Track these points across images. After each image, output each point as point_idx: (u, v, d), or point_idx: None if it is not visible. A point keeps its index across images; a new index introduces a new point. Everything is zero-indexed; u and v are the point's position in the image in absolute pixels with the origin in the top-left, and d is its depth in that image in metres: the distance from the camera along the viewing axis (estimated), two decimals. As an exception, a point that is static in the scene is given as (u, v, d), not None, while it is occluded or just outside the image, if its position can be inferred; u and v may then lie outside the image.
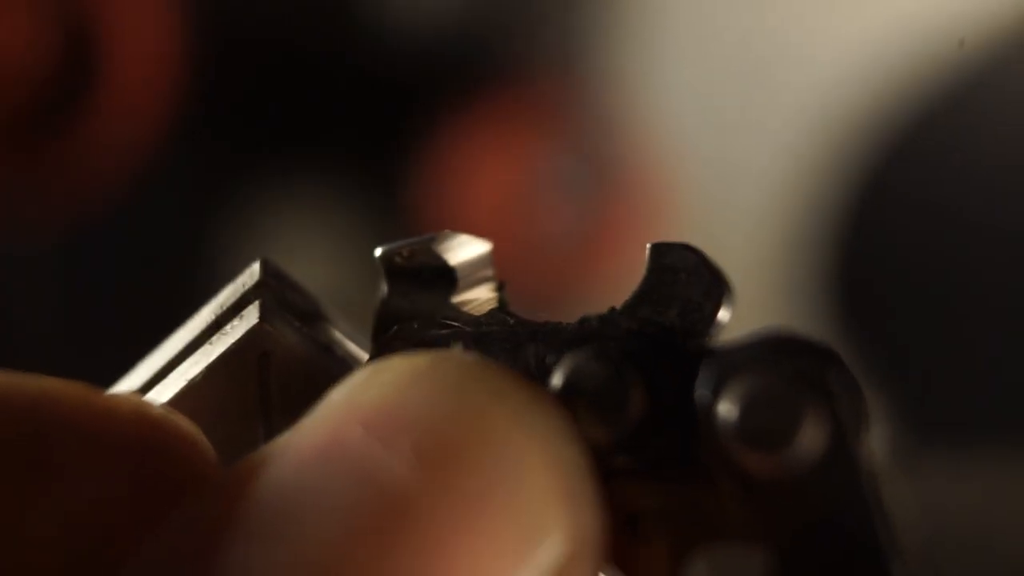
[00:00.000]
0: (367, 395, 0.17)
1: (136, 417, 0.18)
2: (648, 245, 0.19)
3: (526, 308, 0.20)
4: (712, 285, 0.19)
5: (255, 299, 0.21)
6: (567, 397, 0.18)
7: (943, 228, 0.65)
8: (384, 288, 0.20)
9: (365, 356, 0.21)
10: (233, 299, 0.21)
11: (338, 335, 0.21)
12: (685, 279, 0.19)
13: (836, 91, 0.68)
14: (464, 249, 0.20)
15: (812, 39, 0.69)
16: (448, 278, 0.20)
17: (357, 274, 0.64)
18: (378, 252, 0.20)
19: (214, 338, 0.21)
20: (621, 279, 0.68)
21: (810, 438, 0.18)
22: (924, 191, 0.66)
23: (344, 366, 0.21)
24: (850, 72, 0.68)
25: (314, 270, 0.67)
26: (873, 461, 0.18)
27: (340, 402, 0.17)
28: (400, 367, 0.18)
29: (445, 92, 0.69)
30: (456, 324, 0.19)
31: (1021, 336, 0.63)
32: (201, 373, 0.20)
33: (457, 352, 0.19)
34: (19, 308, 0.67)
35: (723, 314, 0.19)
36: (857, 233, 0.67)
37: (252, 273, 0.21)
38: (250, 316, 0.20)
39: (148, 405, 0.19)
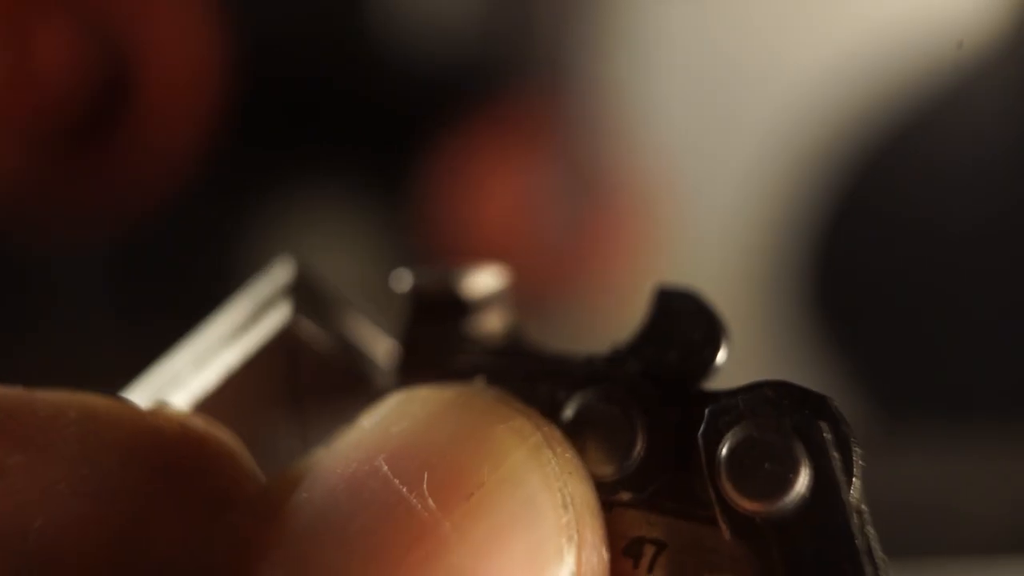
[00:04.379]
0: (396, 427, 0.18)
1: (181, 435, 0.18)
2: (652, 287, 0.20)
3: (527, 305, 0.20)
4: (711, 330, 0.19)
5: (288, 295, 0.21)
6: (577, 434, 0.19)
7: (928, 228, 0.65)
8: (407, 315, 0.20)
9: (389, 352, 0.21)
10: (266, 295, 0.21)
11: (364, 331, 0.21)
12: (686, 323, 0.19)
13: (828, 98, 0.68)
14: (484, 280, 0.21)
15: (804, 48, 0.69)
16: (469, 308, 0.20)
17: (375, 272, 0.66)
18: (401, 281, 0.20)
19: (248, 333, 0.21)
20: (613, 283, 0.69)
21: (803, 485, 0.18)
22: (914, 191, 0.66)
23: (370, 361, 0.21)
24: (843, 77, 0.68)
25: (336, 267, 0.68)
26: (862, 502, 0.18)
27: (370, 432, 0.18)
28: (428, 401, 0.18)
29: (453, 107, 0.71)
30: (476, 354, 0.20)
31: (993, 318, 0.63)
32: (236, 365, 0.21)
33: (480, 389, 0.19)
34: (70, 308, 0.69)
35: (721, 357, 0.19)
36: (843, 239, 0.67)
37: (284, 270, 0.21)
38: (283, 311, 0.21)
39: (193, 422, 0.19)
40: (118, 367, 0.22)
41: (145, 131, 0.66)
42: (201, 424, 0.19)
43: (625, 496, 0.19)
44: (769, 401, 0.18)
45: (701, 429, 0.19)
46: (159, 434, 0.18)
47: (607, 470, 0.19)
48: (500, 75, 0.71)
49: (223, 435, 0.19)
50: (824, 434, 0.18)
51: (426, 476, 0.17)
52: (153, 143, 0.66)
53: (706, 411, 0.19)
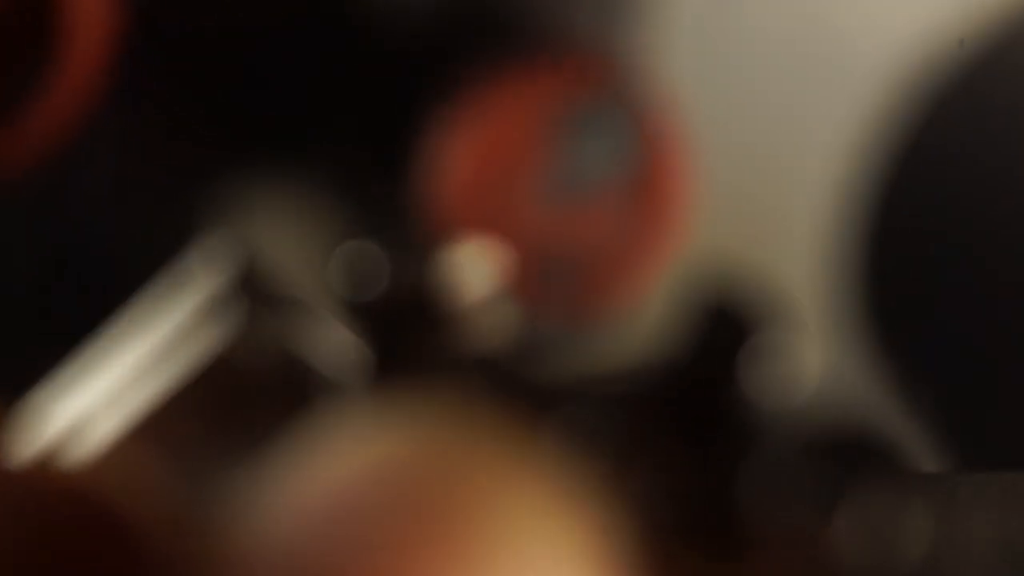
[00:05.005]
0: (366, 466, 0.15)
1: (69, 500, 0.16)
2: (683, 287, 0.18)
3: (539, 309, 0.19)
4: (760, 337, 0.17)
5: (237, 297, 0.19)
6: (598, 467, 0.17)
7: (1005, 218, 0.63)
8: (376, 314, 0.18)
9: (353, 363, 0.19)
10: (210, 297, 0.19)
11: (327, 337, 0.19)
12: (729, 328, 0.18)
13: (879, 65, 0.66)
14: (468, 265, 0.18)
15: (856, 13, 0.67)
16: (447, 302, 0.18)
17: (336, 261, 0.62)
18: (362, 262, 0.18)
19: (187, 344, 0.19)
20: (642, 272, 0.66)
21: (843, 538, 0.17)
22: (973, 173, 0.64)
23: (334, 373, 0.19)
24: (892, 45, 0.66)
25: (298, 262, 0.64)
26: (911, 556, 0.17)
27: (330, 473, 0.15)
28: (404, 431, 0.16)
29: (447, 65, 0.67)
30: (463, 362, 0.18)
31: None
32: (172, 386, 0.19)
33: (470, 411, 0.17)
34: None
35: (770, 368, 0.17)
36: (899, 220, 0.65)
37: (231, 267, 0.19)
38: (228, 321, 0.19)
39: (87, 481, 0.16)
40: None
41: (56, 87, 0.62)
42: (100, 483, 0.16)
43: (660, 535, 0.17)
44: (813, 444, 0.17)
45: (727, 465, 0.17)
46: (37, 498, 0.16)
47: (632, 511, 0.17)
48: (507, 35, 0.67)
49: (133, 496, 0.16)
50: (867, 486, 0.17)
51: (403, 532, 0.15)
52: (64, 102, 0.62)
53: (742, 442, 0.17)
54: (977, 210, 0.64)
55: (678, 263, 0.67)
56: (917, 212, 0.65)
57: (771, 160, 0.69)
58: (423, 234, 0.65)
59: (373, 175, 0.66)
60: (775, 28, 0.68)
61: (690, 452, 0.17)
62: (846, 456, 0.17)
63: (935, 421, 0.59)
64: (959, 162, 0.65)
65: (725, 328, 0.17)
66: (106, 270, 0.63)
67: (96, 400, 0.19)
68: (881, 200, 0.65)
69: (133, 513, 0.16)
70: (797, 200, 0.67)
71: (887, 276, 0.65)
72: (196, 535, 0.17)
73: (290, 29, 0.65)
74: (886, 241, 0.64)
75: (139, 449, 0.18)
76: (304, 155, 0.66)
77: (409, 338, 0.18)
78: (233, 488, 0.18)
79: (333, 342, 0.19)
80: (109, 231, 0.64)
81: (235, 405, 0.18)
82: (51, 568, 0.15)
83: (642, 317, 0.66)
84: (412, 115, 0.66)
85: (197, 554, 0.16)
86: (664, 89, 0.68)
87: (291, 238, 0.65)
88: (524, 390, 0.17)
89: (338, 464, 0.15)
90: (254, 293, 0.19)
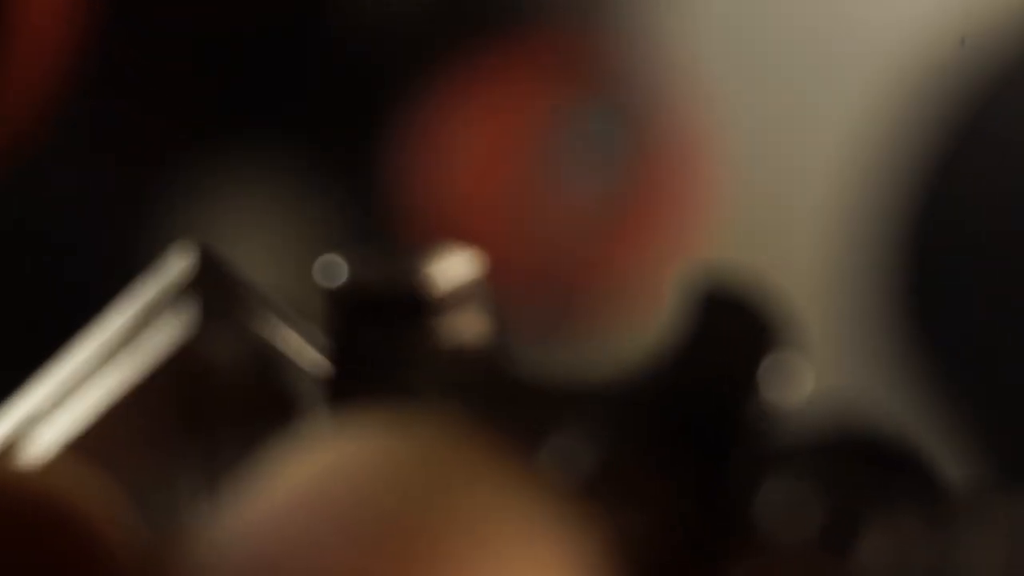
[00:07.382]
0: (327, 476, 0.15)
1: (19, 499, 0.16)
2: (685, 286, 0.17)
3: (530, 313, 0.18)
4: (767, 345, 0.16)
5: (192, 296, 0.18)
6: (578, 484, 0.16)
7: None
8: (345, 317, 0.18)
9: (320, 367, 0.18)
10: (164, 295, 0.19)
11: (288, 338, 0.19)
12: (732, 333, 0.17)
13: (897, 50, 0.64)
14: (446, 268, 0.18)
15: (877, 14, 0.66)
16: (428, 307, 0.18)
17: (305, 264, 0.60)
18: (334, 270, 0.17)
19: (140, 345, 0.18)
20: (643, 278, 0.65)
21: (868, 555, 0.16)
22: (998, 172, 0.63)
23: (295, 379, 0.18)
24: (907, 34, 0.64)
25: (261, 261, 0.63)
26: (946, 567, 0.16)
27: (291, 483, 0.15)
28: (371, 438, 0.15)
29: (429, 43, 0.65)
30: (438, 371, 0.17)
31: None
32: (124, 390, 0.18)
33: (444, 420, 0.16)
34: None
35: (777, 382, 0.16)
36: (949, 226, 0.63)
37: (188, 263, 0.19)
38: (186, 317, 0.18)
39: (39, 481, 0.16)
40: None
41: (9, 77, 0.60)
42: (55, 483, 0.16)
43: (653, 555, 0.16)
44: (832, 452, 0.16)
45: (736, 484, 0.16)
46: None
47: (629, 525, 0.16)
48: (496, 10, 0.65)
49: (86, 494, 0.16)
50: (896, 499, 0.16)
51: (367, 546, 0.14)
52: (17, 92, 0.60)
53: (751, 452, 0.16)
54: (1006, 213, 0.63)
55: (687, 269, 0.65)
56: (945, 216, 0.64)
57: (785, 162, 0.68)
58: (403, 235, 0.64)
59: (351, 174, 0.65)
60: (792, 29, 0.67)
61: (700, 469, 0.16)
62: (871, 476, 0.16)
63: (966, 433, 0.58)
64: (982, 167, 0.64)
65: (737, 337, 0.16)
66: (70, 272, 0.61)
67: (52, 397, 0.18)
68: (905, 201, 0.63)
69: (89, 514, 0.16)
70: (812, 204, 0.66)
71: (911, 281, 0.63)
72: (155, 538, 0.16)
73: (266, 31, 0.64)
74: (915, 245, 0.63)
75: (96, 449, 0.18)
76: (279, 154, 0.65)
77: (386, 340, 0.17)
78: (195, 490, 0.18)
79: (302, 343, 0.19)
80: (73, 233, 0.63)
81: (196, 405, 0.18)
82: (5, 568, 0.15)
83: (646, 328, 0.65)
84: (393, 112, 0.65)
85: (156, 557, 0.16)
86: (673, 88, 0.67)
87: (264, 237, 0.64)
88: (511, 400, 0.17)
89: (305, 470, 0.15)
90: (213, 290, 0.18)
